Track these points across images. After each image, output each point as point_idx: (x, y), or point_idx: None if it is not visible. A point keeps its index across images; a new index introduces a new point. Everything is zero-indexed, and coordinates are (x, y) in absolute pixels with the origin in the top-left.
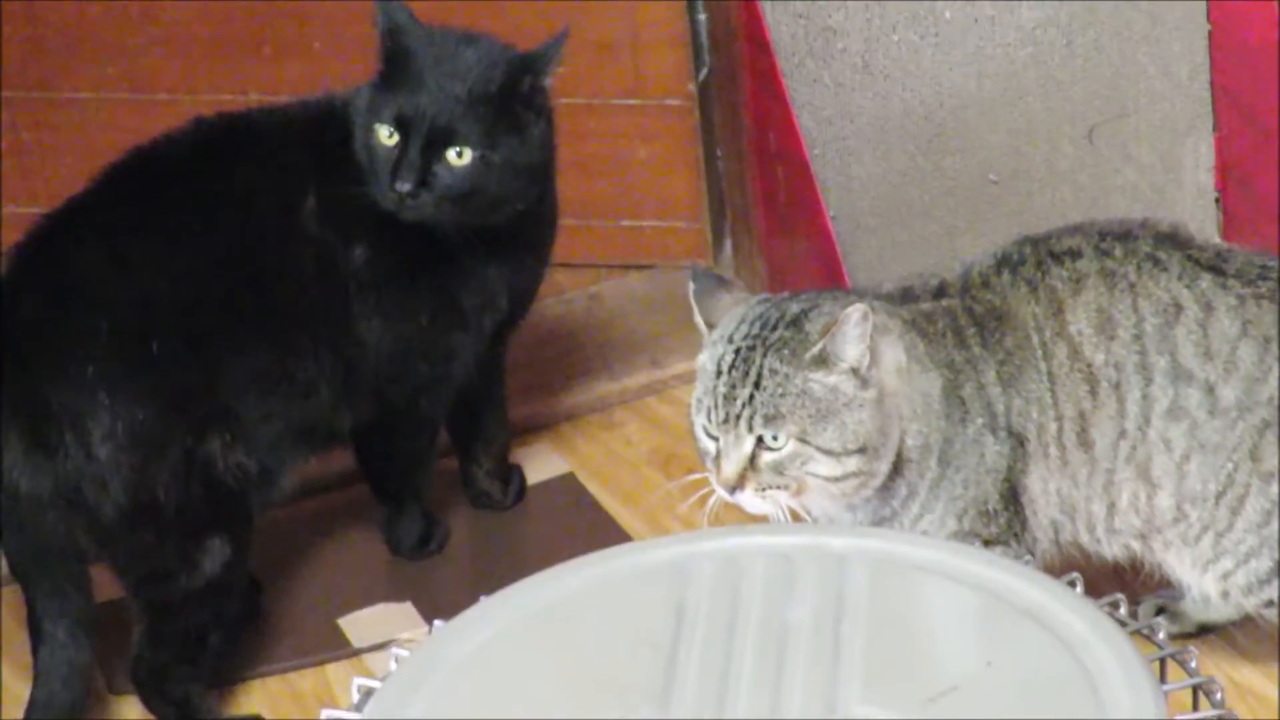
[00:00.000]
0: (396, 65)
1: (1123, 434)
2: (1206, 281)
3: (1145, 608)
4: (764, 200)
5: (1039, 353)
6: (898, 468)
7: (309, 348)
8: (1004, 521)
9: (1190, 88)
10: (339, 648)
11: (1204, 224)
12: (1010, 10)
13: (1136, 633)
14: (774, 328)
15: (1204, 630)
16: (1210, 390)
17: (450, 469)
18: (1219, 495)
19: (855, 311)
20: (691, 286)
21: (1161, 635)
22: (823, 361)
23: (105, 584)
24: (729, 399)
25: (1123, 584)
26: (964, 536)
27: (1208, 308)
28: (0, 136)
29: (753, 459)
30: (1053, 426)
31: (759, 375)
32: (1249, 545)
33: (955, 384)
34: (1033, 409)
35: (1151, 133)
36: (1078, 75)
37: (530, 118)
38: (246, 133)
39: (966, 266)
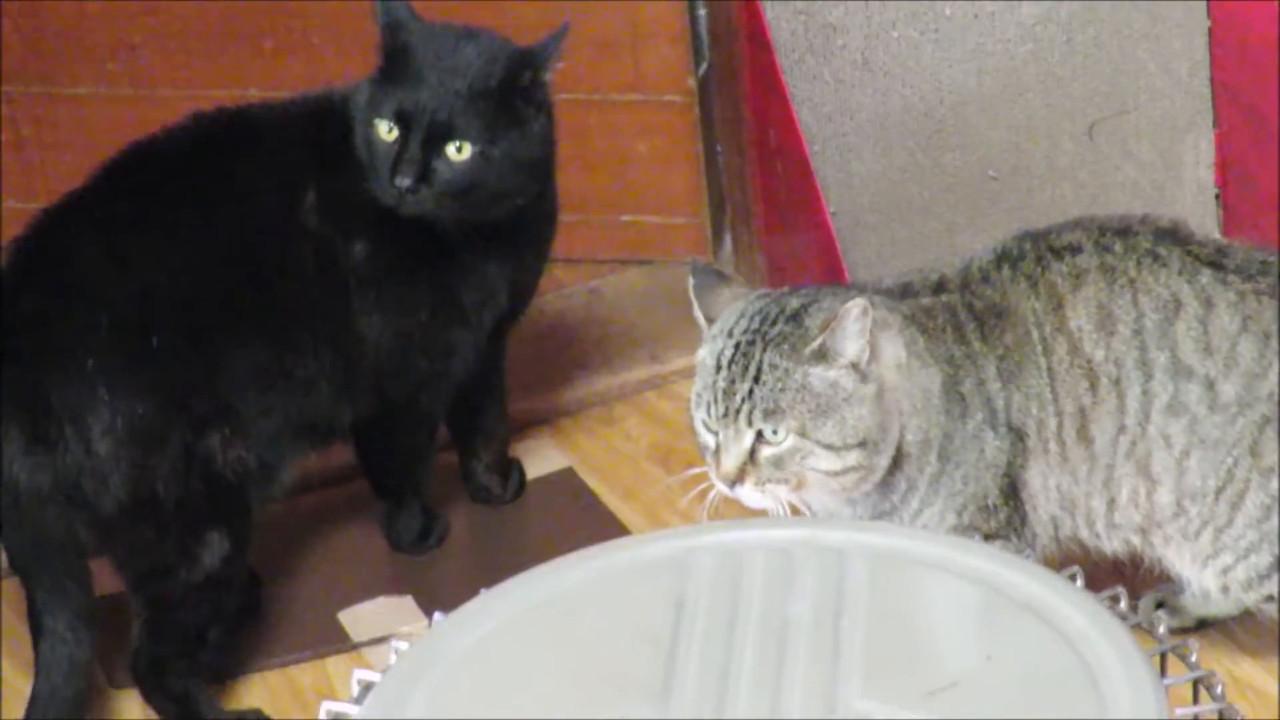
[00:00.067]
0: (396, 60)
1: (1123, 429)
2: (1206, 277)
3: (1145, 602)
4: (764, 196)
5: (1039, 348)
6: (897, 463)
7: (309, 343)
8: (1004, 517)
9: (1190, 84)
10: (339, 642)
11: (1204, 220)
12: (1010, 7)
13: (1137, 627)
14: (774, 322)
15: (1204, 625)
16: (1210, 386)
17: (450, 464)
18: (1219, 490)
19: (855, 306)
20: (691, 281)
21: (1162, 629)
22: (822, 356)
23: (105, 578)
24: (729, 394)
25: (1123, 579)
26: (964, 531)
27: (1208, 303)
28: (0, 131)
29: (752, 454)
30: (1053, 422)
31: (759, 370)
32: (1249, 540)
33: (955, 379)
34: (1032, 404)
35: (1152, 129)
36: (1078, 72)
37: (530, 113)
38: (246, 128)
39: (966, 262)
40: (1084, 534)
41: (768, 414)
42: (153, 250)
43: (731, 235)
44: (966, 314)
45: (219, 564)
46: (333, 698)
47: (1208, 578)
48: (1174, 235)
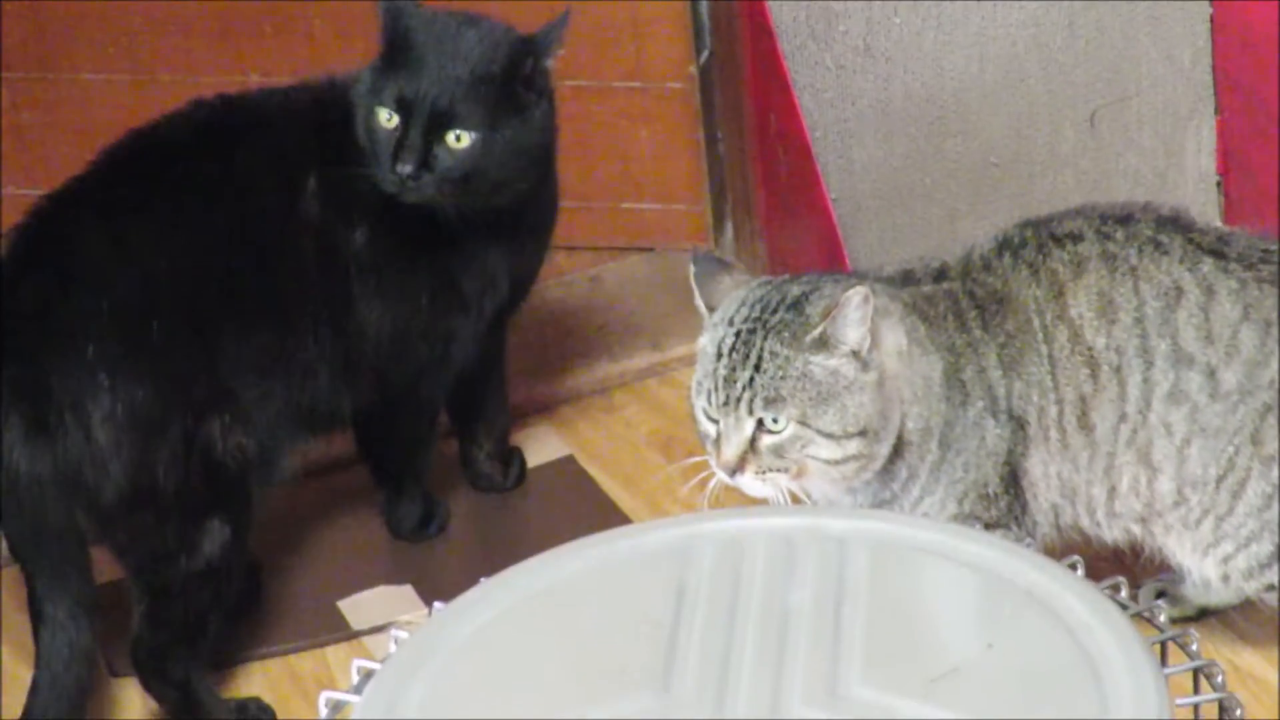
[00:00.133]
0: (397, 47)
1: (1123, 418)
2: (1208, 265)
3: (1146, 591)
4: (765, 183)
5: (1040, 336)
6: (898, 451)
7: (309, 329)
8: (1004, 505)
9: (1192, 72)
10: (338, 630)
11: (1205, 208)
12: None
13: (1137, 616)
14: (775, 310)
15: (1204, 614)
16: (1211, 374)
17: (450, 451)
18: (1220, 479)
19: (856, 294)
20: (692, 269)
21: (1162, 618)
22: (823, 344)
23: (105, 566)
24: (729, 382)
25: (1123, 568)
26: (964, 520)
27: (1209, 292)
28: (0, 116)
29: (753, 442)
30: (1053, 410)
31: (759, 358)
32: (1250, 529)
33: (956, 367)
34: (1033, 392)
35: (1153, 117)
36: (1079, 59)
37: (532, 100)
38: (247, 115)
39: (968, 250)
40: (1085, 522)
41: (769, 402)
42: (153, 237)
43: (733, 223)
44: (968, 301)
45: (219, 551)
46: (332, 686)
47: (1208, 567)
48: (1175, 223)
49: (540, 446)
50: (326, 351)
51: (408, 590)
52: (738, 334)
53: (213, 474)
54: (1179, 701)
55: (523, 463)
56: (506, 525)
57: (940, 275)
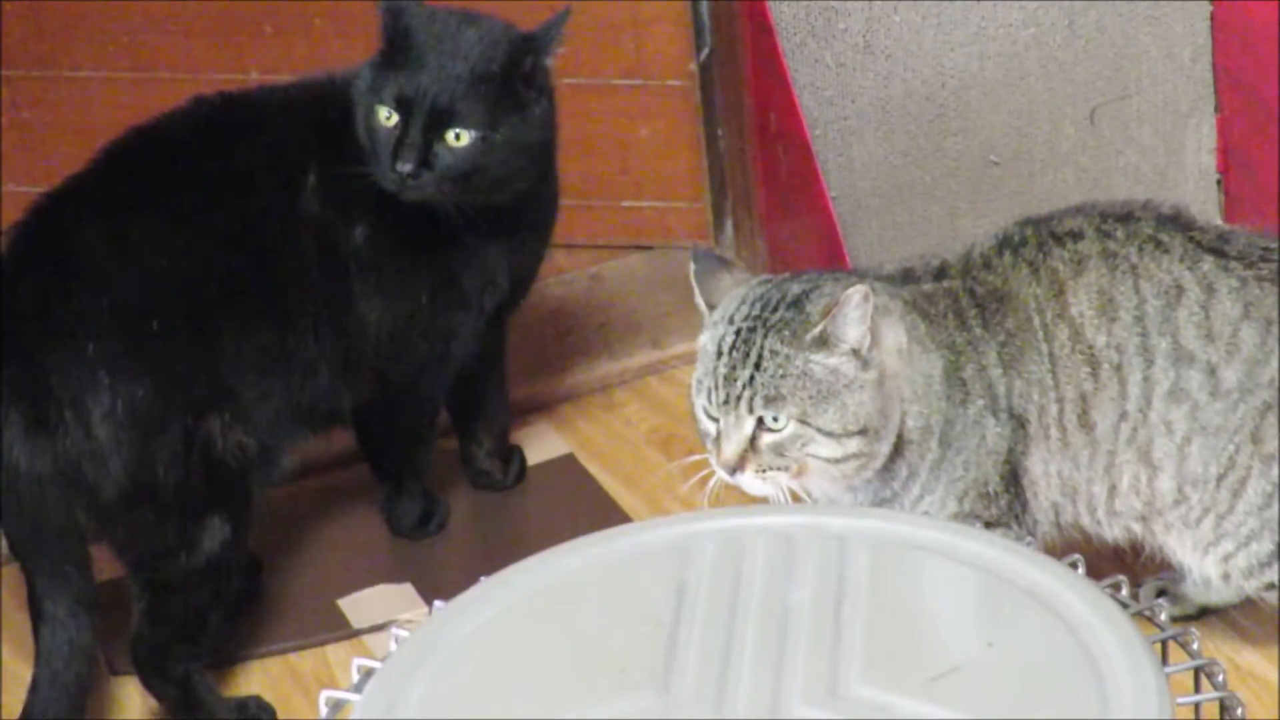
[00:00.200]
0: (397, 45)
1: (1124, 416)
2: (1208, 263)
3: (1146, 590)
4: (765, 181)
5: (1040, 334)
6: (898, 449)
7: (309, 327)
8: (1005, 503)
9: (1192, 69)
10: (339, 628)
11: (1206, 206)
12: None
13: (1138, 614)
14: (775, 309)
15: (1205, 613)
16: (1212, 372)
17: (450, 449)
18: (1220, 478)
19: (856, 293)
20: (692, 267)
21: (1163, 617)
22: (824, 343)
23: (105, 564)
24: (729, 380)
25: (1124, 566)
26: (965, 518)
27: (1210, 290)
28: (1, 114)
29: (753, 440)
30: (1054, 408)
31: (760, 356)
32: (1250, 528)
33: (956, 365)
34: (1034, 391)
35: (1153, 114)
36: (1080, 56)
37: (532, 97)
38: (247, 112)
39: (968, 248)
40: (1085, 521)
41: (769, 401)
42: (153, 234)
43: (733, 220)
44: (968, 300)
45: (219, 549)
46: (333, 684)
47: (1209, 565)
48: (1176, 221)
49: (540, 444)
50: (327, 349)
51: (408, 589)
52: (738, 332)
53: (213, 471)
54: (1180, 700)
55: (523, 461)
56: (506, 523)
57: (940, 273)
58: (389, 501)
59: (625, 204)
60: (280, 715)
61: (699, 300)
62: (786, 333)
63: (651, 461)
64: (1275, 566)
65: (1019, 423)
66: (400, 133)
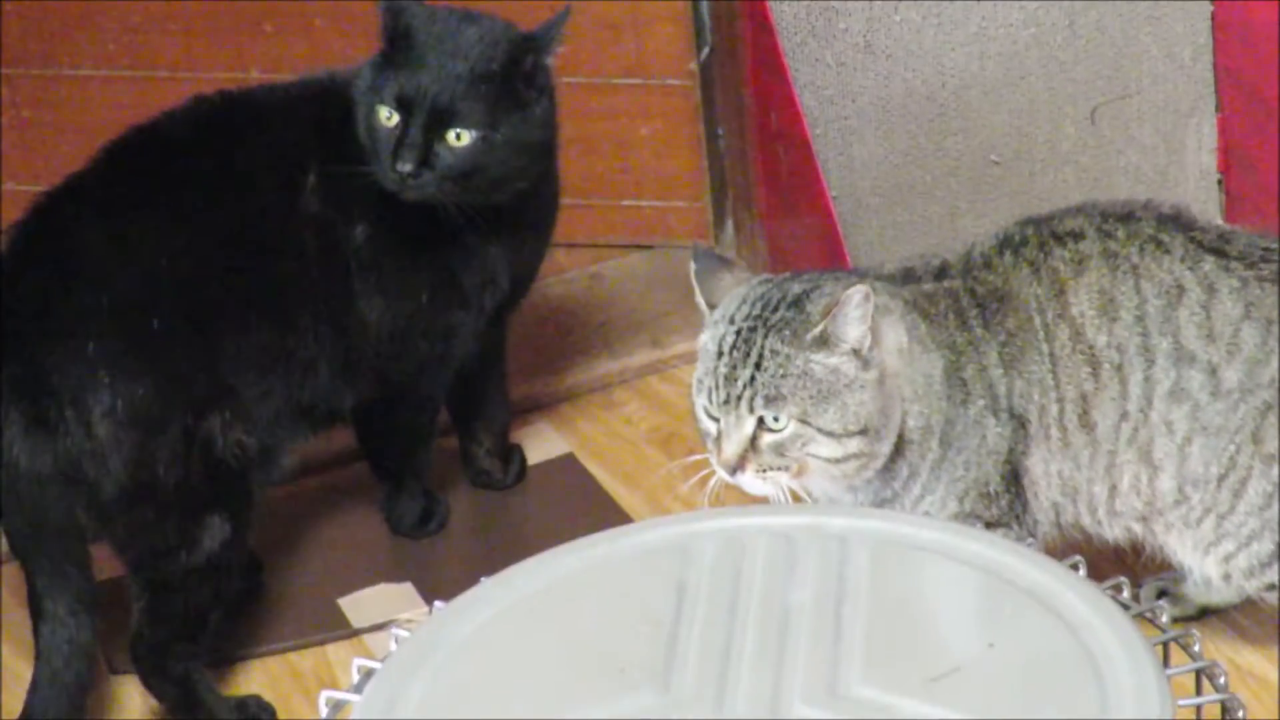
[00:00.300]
0: (398, 44)
1: (1124, 416)
2: (1209, 263)
3: (1146, 590)
4: (765, 180)
5: (1041, 334)
6: (899, 449)
7: (309, 326)
8: (1005, 503)
9: (1193, 69)
10: (339, 628)
11: (1206, 205)
12: None
13: (1140, 616)
14: (775, 308)
15: (1206, 613)
16: (1213, 372)
17: (450, 448)
18: (1221, 478)
19: (857, 292)
20: (693, 266)
21: (1165, 619)
22: (824, 342)
23: (105, 564)
24: (730, 380)
25: (1124, 566)
26: (965, 518)
27: (1210, 290)
28: (0, 113)
29: (753, 440)
30: (1054, 408)
31: (760, 356)
32: (1251, 528)
33: (957, 365)
34: (1034, 390)
35: (1154, 114)
36: (1080, 56)
37: (532, 97)
38: (247, 111)
39: (968, 247)
40: (1086, 521)
41: (769, 400)
42: (154, 233)
43: (733, 219)
44: (969, 299)
45: (219, 548)
46: (333, 684)
47: (1209, 565)
48: (1177, 221)
49: (540, 444)
50: (327, 348)
51: (408, 588)
52: (738, 332)
53: (213, 470)
54: (1181, 702)
55: (523, 460)
56: (506, 523)
57: (941, 273)
58: (389, 501)
59: (625, 203)
60: (280, 714)
61: (699, 300)
62: (787, 332)
63: (652, 461)
64: (1276, 567)
65: (1019, 423)
66: (401, 132)
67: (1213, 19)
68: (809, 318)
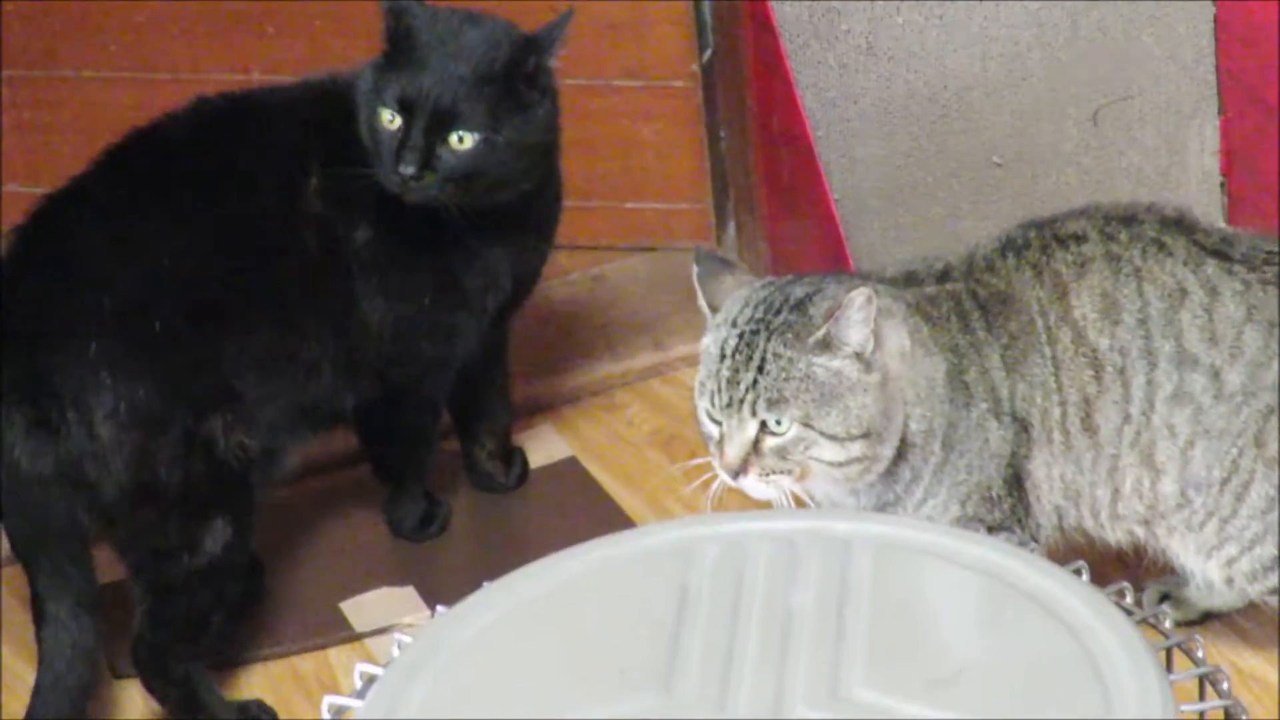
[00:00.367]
0: (400, 45)
1: (1127, 419)
2: (1212, 266)
3: (1149, 594)
4: (767, 182)
5: (1043, 337)
6: (901, 452)
7: (311, 327)
8: (1008, 507)
9: (1195, 70)
10: (341, 631)
11: (1209, 208)
12: None
13: (1143, 622)
14: (778, 311)
15: (1208, 617)
16: (1215, 375)
17: (452, 450)
18: (1223, 481)
19: (859, 295)
20: (695, 269)
21: (1168, 624)
22: (826, 345)
23: (106, 567)
24: (732, 383)
25: (1126, 570)
26: (968, 522)
27: (1213, 293)
28: (1, 114)
29: (756, 443)
30: (1057, 411)
31: (762, 359)
32: (1253, 532)
33: (959, 368)
34: (1037, 394)
35: (1156, 116)
36: (1082, 57)
37: (535, 98)
38: (249, 112)
39: (971, 250)
40: (1088, 524)
41: (771, 404)
42: (156, 234)
43: (735, 221)
44: (971, 302)
45: (221, 550)
46: (335, 687)
47: (1212, 569)
48: (1179, 224)
49: (542, 446)
50: (329, 350)
51: (410, 591)
52: (741, 335)
53: (215, 472)
54: (1184, 708)
55: (525, 463)
56: (508, 525)
57: (944, 276)
58: (390, 503)
59: (627, 205)
60: (282, 718)
61: (701, 302)
62: (789, 335)
63: (654, 462)
64: (1278, 571)
65: (1022, 426)
66: (403, 135)
67: (1215, 21)
68: (811, 321)
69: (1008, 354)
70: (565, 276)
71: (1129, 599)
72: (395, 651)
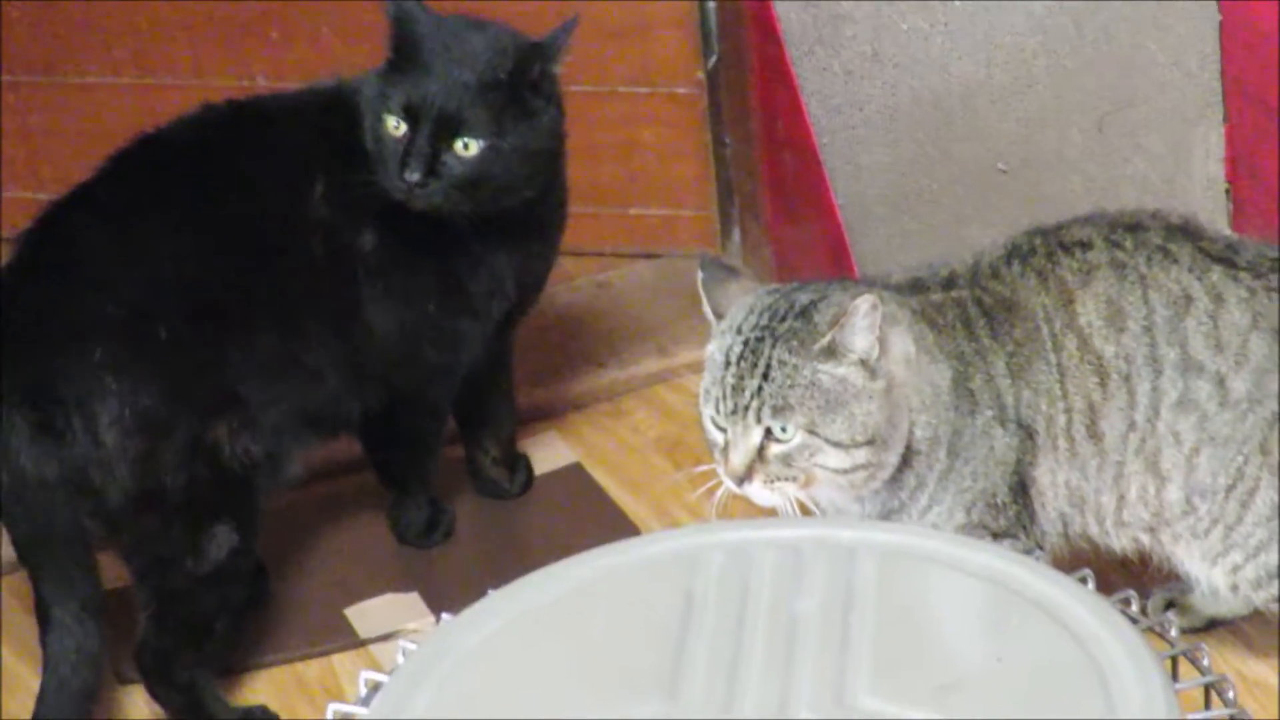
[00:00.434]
0: (405, 52)
1: (1132, 426)
2: (1217, 273)
3: (1154, 602)
4: (772, 188)
5: (1048, 344)
6: (906, 459)
7: (316, 333)
8: (1013, 514)
9: (1200, 77)
10: (345, 638)
11: (1214, 215)
12: None
13: (1148, 629)
14: (783, 318)
15: (1213, 624)
16: (1220, 382)
17: (457, 457)
18: (1229, 488)
19: (864, 302)
20: (700, 276)
21: (1174, 632)
22: (832, 353)
23: (111, 574)
24: (737, 390)
25: (1131, 577)
26: (973, 529)
27: (1218, 300)
28: (3, 119)
29: (761, 451)
30: (1062, 418)
31: (767, 366)
32: (1259, 539)
33: (964, 375)
34: (1042, 401)
35: (1161, 122)
36: (1087, 64)
37: (540, 105)
38: (255, 118)
39: (976, 257)
40: (1093, 531)
41: (776, 411)
42: (161, 240)
43: (740, 227)
44: (976, 309)
45: (226, 556)
46: (339, 694)
47: (1217, 576)
48: (1185, 231)
49: (547, 453)
50: (334, 354)
51: (414, 597)
52: (746, 342)
53: (220, 478)
54: (1189, 716)
55: (529, 469)
56: (513, 532)
57: (949, 283)
58: (395, 509)
59: (632, 211)
60: None
61: (706, 309)
62: (794, 342)
63: (659, 470)
64: None
65: (1027, 433)
66: (408, 141)
67: (1220, 28)
68: (816, 328)
69: (1013, 361)
70: (570, 283)
71: (1134, 606)
72: (400, 658)
